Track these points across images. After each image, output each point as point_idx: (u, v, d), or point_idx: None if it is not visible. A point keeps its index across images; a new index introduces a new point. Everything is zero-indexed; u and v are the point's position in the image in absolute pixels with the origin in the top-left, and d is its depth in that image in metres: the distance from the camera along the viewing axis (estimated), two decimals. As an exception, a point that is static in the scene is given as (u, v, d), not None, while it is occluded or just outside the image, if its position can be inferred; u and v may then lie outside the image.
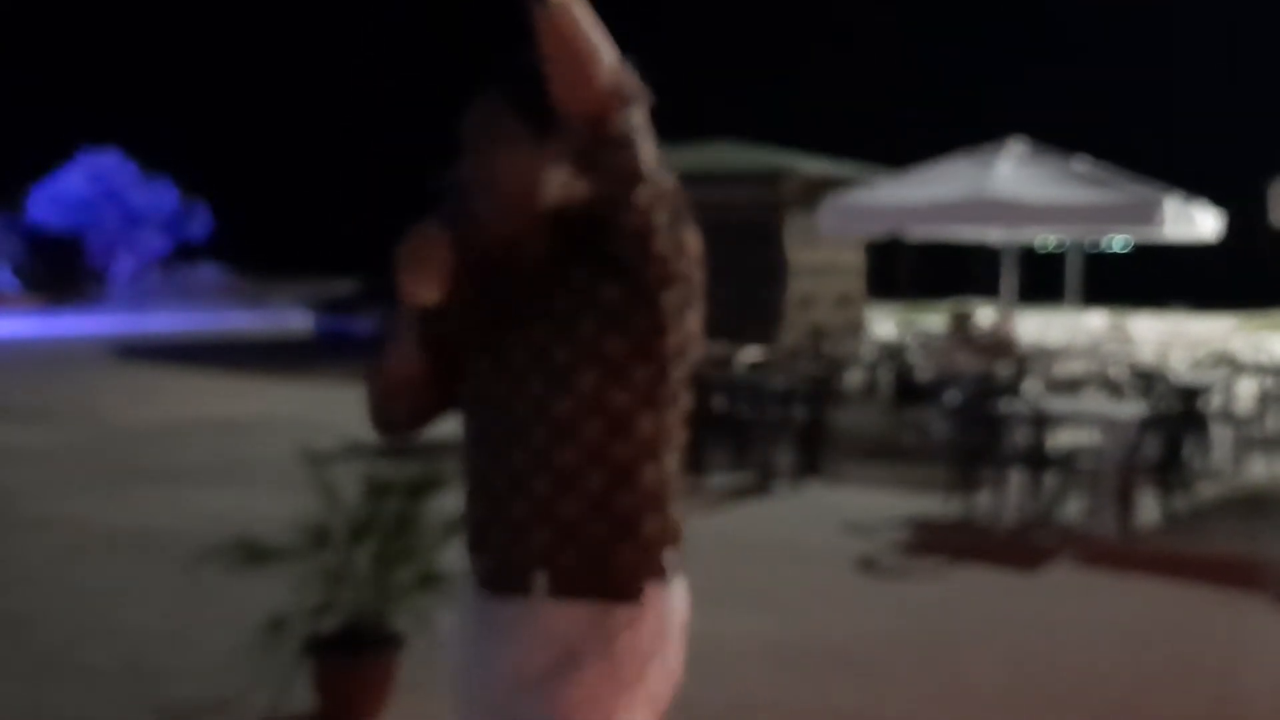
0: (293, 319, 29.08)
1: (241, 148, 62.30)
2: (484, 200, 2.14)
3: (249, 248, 44.25)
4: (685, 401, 2.19)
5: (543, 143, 2.10)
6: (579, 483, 2.08)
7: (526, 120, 2.10)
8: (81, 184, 37.02)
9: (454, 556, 4.70)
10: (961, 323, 13.63)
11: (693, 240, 2.10)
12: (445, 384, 2.27)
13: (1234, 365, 12.44)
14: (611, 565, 2.09)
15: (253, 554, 4.62)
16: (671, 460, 2.16)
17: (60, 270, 36.50)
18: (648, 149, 2.01)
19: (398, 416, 2.31)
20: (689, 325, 2.12)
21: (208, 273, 39.87)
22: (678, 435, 2.18)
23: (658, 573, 2.13)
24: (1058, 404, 9.21)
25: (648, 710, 2.12)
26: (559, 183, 2.13)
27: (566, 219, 2.14)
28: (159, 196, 38.44)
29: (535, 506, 2.09)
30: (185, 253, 40.24)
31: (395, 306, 2.22)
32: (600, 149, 1.97)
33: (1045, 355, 13.77)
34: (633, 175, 1.99)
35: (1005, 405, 8.64)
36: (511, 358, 2.14)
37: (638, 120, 1.99)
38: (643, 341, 2.09)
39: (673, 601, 2.17)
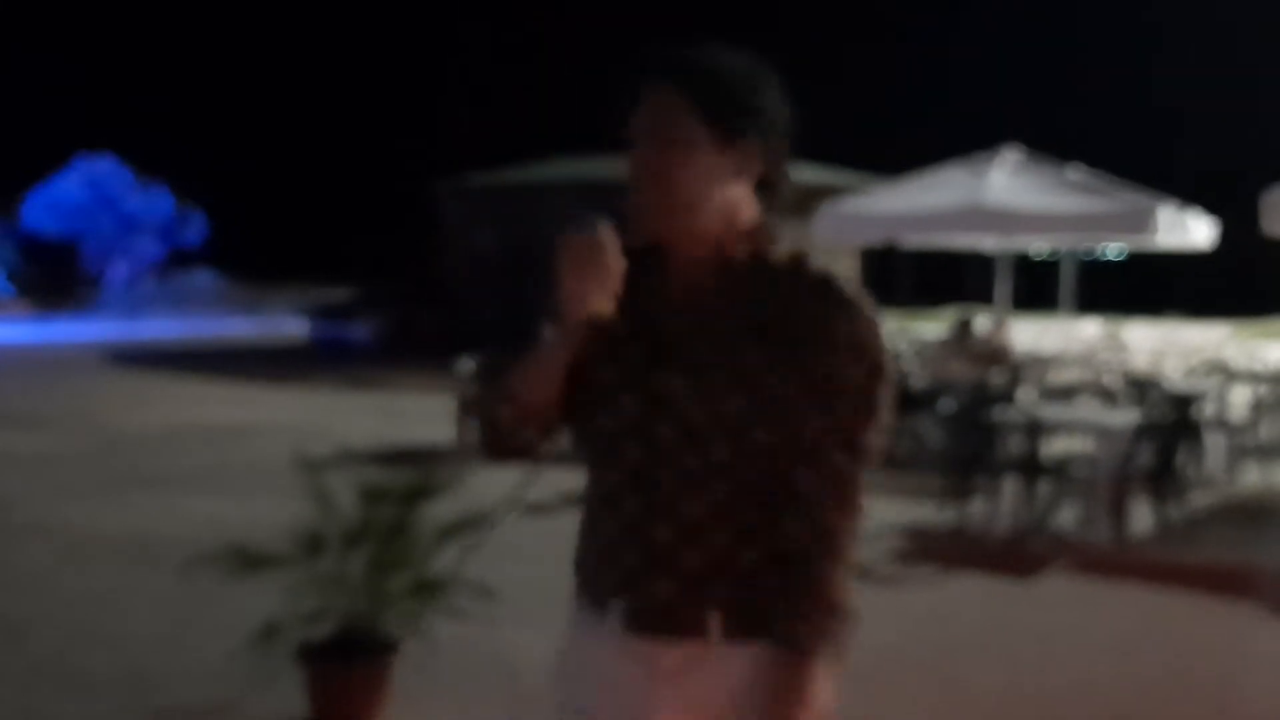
0: (288, 325, 29.08)
1: (237, 154, 62.30)
2: (646, 197, 1.96)
3: (244, 254, 44.27)
4: None
5: (725, 151, 1.95)
6: (760, 535, 1.96)
7: (711, 126, 1.93)
8: (77, 190, 37.03)
9: (448, 563, 4.72)
10: (964, 329, 13.61)
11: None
12: (571, 409, 2.06)
13: (1228, 373, 12.45)
14: (783, 605, 1.97)
15: (247, 560, 4.61)
16: None
17: (56, 276, 36.48)
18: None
19: (523, 442, 2.07)
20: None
21: (203, 279, 39.84)
22: None
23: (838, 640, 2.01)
24: (1052, 412, 9.22)
25: None
26: (734, 200, 1.98)
27: (766, 269, 1.99)
28: (154, 203, 38.44)
29: (714, 558, 1.95)
30: (181, 259, 40.23)
31: (543, 321, 2.01)
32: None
33: (1039, 363, 13.78)
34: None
35: (999, 413, 8.65)
36: (672, 404, 1.95)
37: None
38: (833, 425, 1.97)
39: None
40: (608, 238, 1.92)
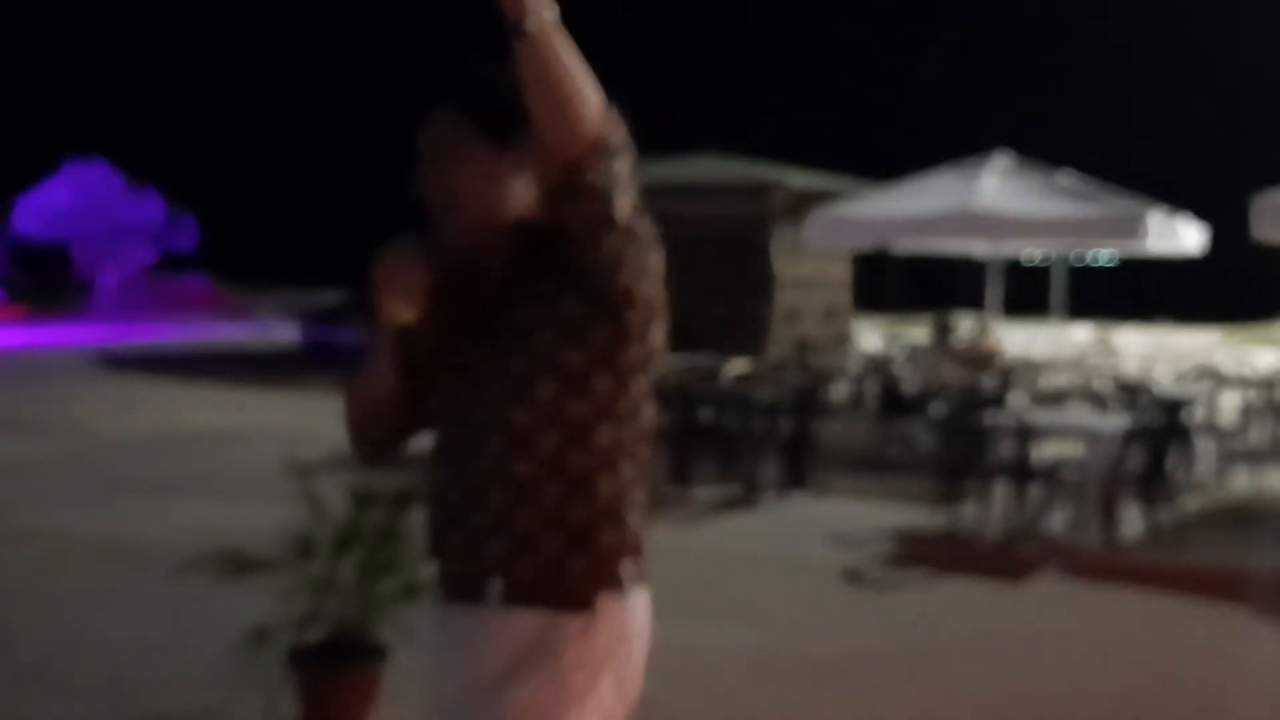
0: (279, 330, 29.02)
1: (227, 159, 62.23)
2: (446, 214, 2.15)
3: (235, 259, 44.20)
4: (648, 415, 2.19)
5: (502, 154, 2.12)
6: (536, 494, 2.09)
7: (485, 132, 2.12)
8: (67, 195, 36.93)
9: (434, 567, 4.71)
10: (943, 333, 13.65)
11: (656, 262, 2.09)
12: (420, 402, 2.27)
13: (1217, 378, 12.48)
14: (565, 576, 2.09)
15: (237, 564, 4.61)
16: (630, 471, 2.15)
17: (46, 281, 36.40)
18: (624, 199, 2.00)
19: (375, 436, 2.32)
20: (651, 340, 2.12)
21: (194, 284, 39.75)
22: (639, 448, 2.17)
23: (613, 584, 2.13)
24: (1042, 416, 9.23)
25: None
26: (518, 193, 2.15)
27: (528, 230, 2.16)
28: (145, 207, 38.35)
29: (493, 517, 2.10)
30: (171, 264, 40.14)
31: (370, 327, 2.22)
32: (574, 196, 1.97)
33: (1030, 368, 13.80)
34: (604, 223, 1.99)
35: (990, 418, 8.66)
36: (473, 370, 2.16)
37: (618, 170, 1.98)
38: (602, 354, 2.09)
39: (630, 614, 2.16)
40: (413, 254, 2.13)
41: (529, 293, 2.12)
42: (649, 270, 2.07)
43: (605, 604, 2.11)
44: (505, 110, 2.08)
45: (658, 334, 2.13)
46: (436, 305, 2.17)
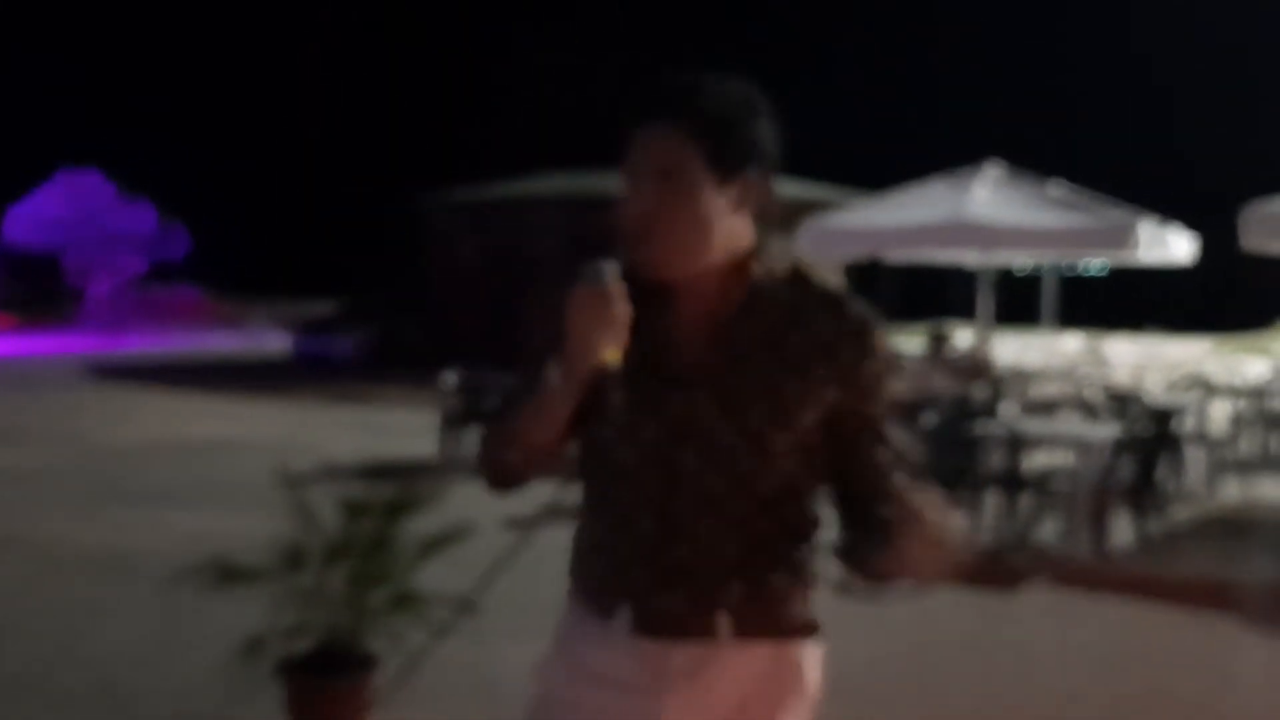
0: (270, 340, 29.02)
1: (220, 169, 62.22)
2: (644, 242, 1.97)
3: (227, 269, 44.20)
4: None
5: (724, 189, 1.96)
6: (771, 546, 2.05)
7: (713, 165, 1.94)
8: (59, 204, 36.89)
9: (429, 578, 4.71)
10: (938, 343, 13.67)
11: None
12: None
13: (1208, 388, 12.51)
14: (790, 607, 2.09)
15: (228, 574, 4.60)
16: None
17: (37, 290, 36.33)
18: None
19: (526, 479, 2.12)
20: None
21: (185, 293, 39.69)
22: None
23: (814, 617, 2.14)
24: (1033, 426, 9.24)
25: None
26: (729, 233, 1.99)
27: (759, 283, 2.04)
28: (136, 217, 38.31)
29: (728, 568, 2.02)
30: (163, 273, 40.08)
31: (540, 367, 2.01)
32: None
33: (1021, 377, 13.82)
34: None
35: (981, 427, 8.67)
36: (684, 419, 2.00)
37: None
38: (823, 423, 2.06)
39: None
40: (616, 288, 1.91)
41: (777, 349, 2.00)
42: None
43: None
44: (734, 142, 1.95)
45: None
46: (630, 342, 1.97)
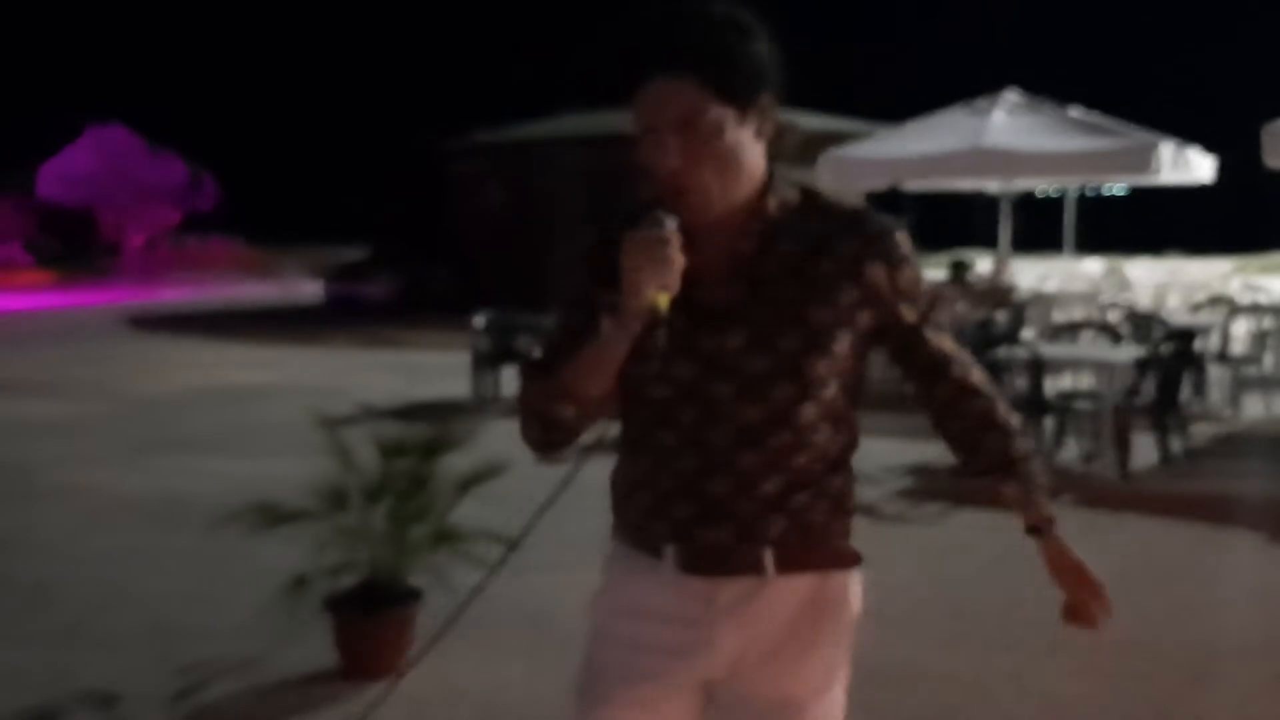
0: (303, 287, 29.12)
1: (246, 119, 62.10)
2: (684, 190, 1.93)
3: (257, 219, 44.24)
4: None
5: (743, 123, 1.93)
6: (810, 479, 2.06)
7: (728, 100, 1.89)
8: (90, 160, 36.94)
9: (468, 513, 4.77)
10: (960, 270, 13.63)
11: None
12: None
13: (1231, 307, 12.43)
14: (831, 538, 2.11)
15: (272, 516, 4.66)
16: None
17: (72, 246, 36.49)
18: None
19: (578, 434, 2.09)
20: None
21: (217, 244, 39.78)
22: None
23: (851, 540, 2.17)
24: (1055, 350, 9.22)
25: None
26: (759, 163, 1.99)
27: (777, 211, 2.02)
28: (167, 170, 38.35)
29: (768, 503, 2.03)
30: (195, 225, 40.17)
31: (577, 314, 2.03)
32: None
33: (1043, 302, 13.76)
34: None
35: (1004, 352, 8.65)
36: (723, 360, 1.99)
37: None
38: (865, 349, 2.12)
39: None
40: (673, 234, 1.89)
41: (811, 286, 1.98)
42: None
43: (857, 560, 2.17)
44: (743, 72, 1.90)
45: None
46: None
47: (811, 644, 2.08)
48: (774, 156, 2.03)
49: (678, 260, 1.89)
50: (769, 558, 2.04)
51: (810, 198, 2.06)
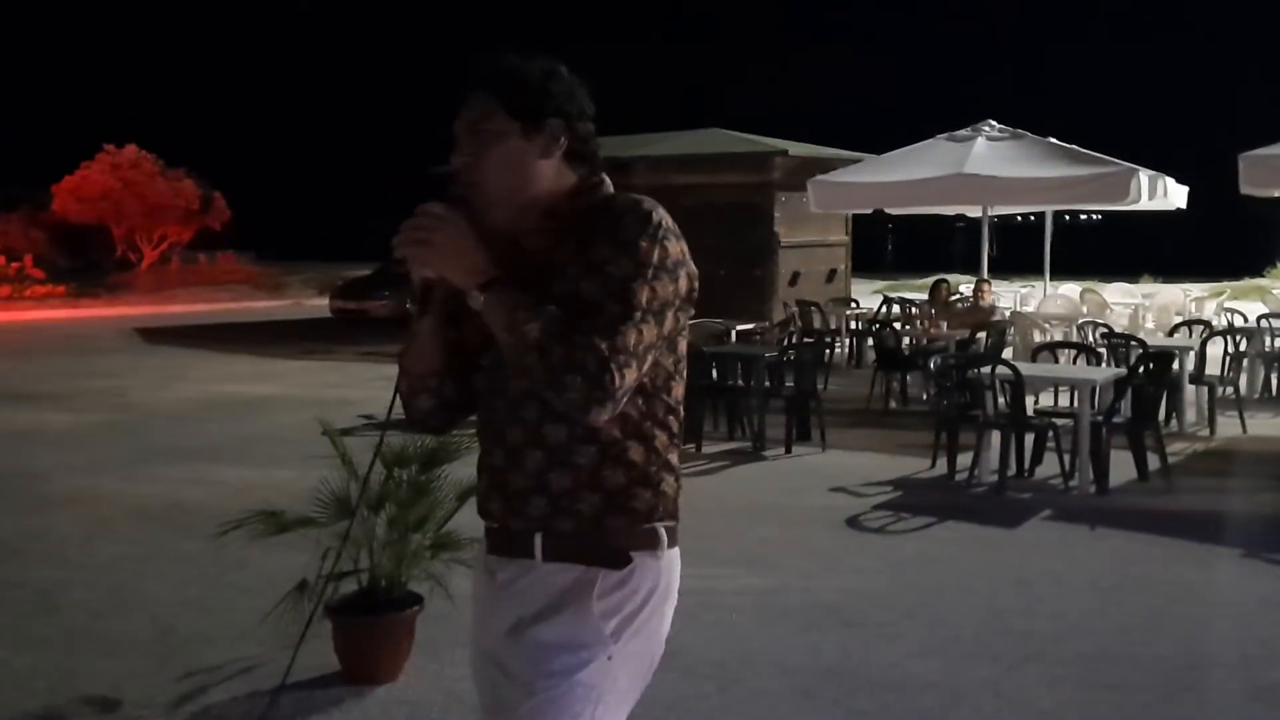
0: (309, 303, 29.09)
1: (258, 139, 62.19)
2: (477, 193, 2.17)
3: (267, 236, 44.19)
4: (676, 389, 2.21)
5: (530, 137, 2.17)
6: (570, 458, 2.14)
7: (515, 116, 2.16)
8: (103, 177, 36.87)
9: (467, 522, 4.74)
10: (939, 289, 13.68)
11: (675, 249, 2.12)
12: (467, 382, 2.30)
13: (1207, 329, 12.43)
14: (602, 534, 2.15)
15: (275, 524, 4.64)
16: (663, 440, 2.19)
17: (85, 261, 36.41)
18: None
19: (422, 412, 2.33)
20: (667, 324, 2.10)
21: (227, 261, 39.69)
22: (669, 418, 2.20)
23: (649, 544, 2.17)
24: (1036, 369, 9.22)
25: (629, 670, 2.17)
26: (547, 175, 2.19)
27: (563, 214, 2.19)
28: (178, 189, 38.29)
29: (532, 480, 2.16)
30: (205, 241, 40.09)
31: (404, 295, 2.21)
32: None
33: (1024, 322, 13.78)
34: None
35: (985, 370, 8.64)
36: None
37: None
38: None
39: (664, 573, 2.21)
40: (443, 215, 2.10)
41: (560, 273, 2.11)
42: (666, 261, 2.10)
43: (641, 561, 2.16)
44: (533, 94, 2.17)
45: (677, 318, 2.14)
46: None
47: (550, 621, 2.13)
48: (592, 169, 2.22)
49: (443, 243, 2.08)
50: (538, 543, 2.17)
51: (608, 199, 2.21)
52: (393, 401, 2.32)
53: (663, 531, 2.19)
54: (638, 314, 2.04)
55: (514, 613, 2.18)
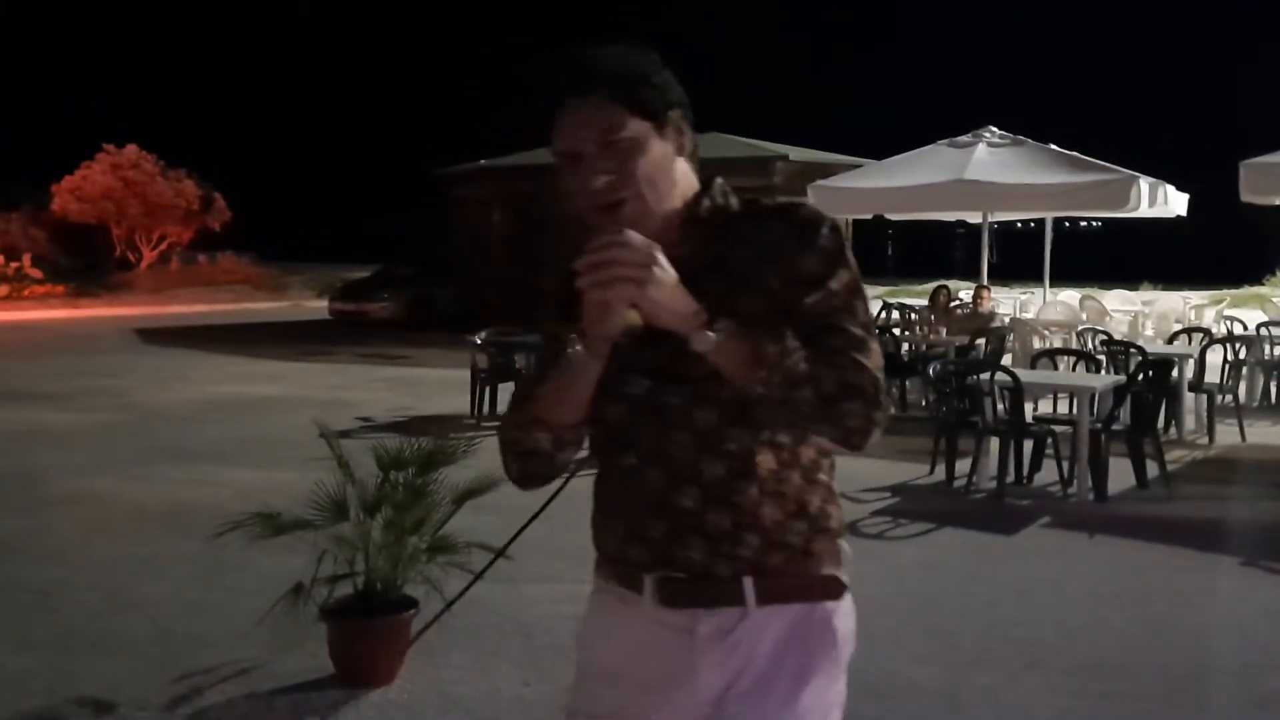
0: (310, 305, 29.09)
1: (258, 141, 62.19)
2: (611, 212, 1.88)
3: (267, 238, 44.20)
4: None
5: (665, 136, 1.93)
6: (780, 486, 1.95)
7: (644, 117, 1.90)
8: (104, 177, 36.86)
9: (463, 525, 4.73)
10: (939, 296, 13.67)
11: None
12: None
13: (1207, 336, 12.42)
14: (812, 560, 1.98)
15: (272, 526, 4.63)
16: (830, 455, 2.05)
17: (85, 261, 36.41)
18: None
19: (568, 464, 2.04)
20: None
21: (227, 262, 39.68)
22: None
23: (844, 562, 2.04)
24: (1035, 375, 9.20)
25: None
26: (686, 176, 1.98)
27: (705, 219, 1.98)
28: (179, 188, 38.29)
29: (740, 517, 1.92)
30: (206, 242, 40.10)
31: (559, 342, 1.92)
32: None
33: (1023, 329, 13.77)
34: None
35: (985, 377, 8.63)
36: (672, 372, 1.91)
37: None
38: None
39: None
40: (644, 244, 1.75)
41: (734, 272, 1.90)
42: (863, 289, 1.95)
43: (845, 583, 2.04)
44: (654, 91, 1.91)
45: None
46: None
47: (800, 678, 1.95)
48: (700, 167, 2.02)
49: (661, 280, 1.74)
50: (749, 588, 1.94)
51: (750, 203, 2.01)
52: (566, 481, 2.08)
53: (846, 546, 2.06)
54: (870, 329, 1.89)
55: (727, 672, 1.96)
